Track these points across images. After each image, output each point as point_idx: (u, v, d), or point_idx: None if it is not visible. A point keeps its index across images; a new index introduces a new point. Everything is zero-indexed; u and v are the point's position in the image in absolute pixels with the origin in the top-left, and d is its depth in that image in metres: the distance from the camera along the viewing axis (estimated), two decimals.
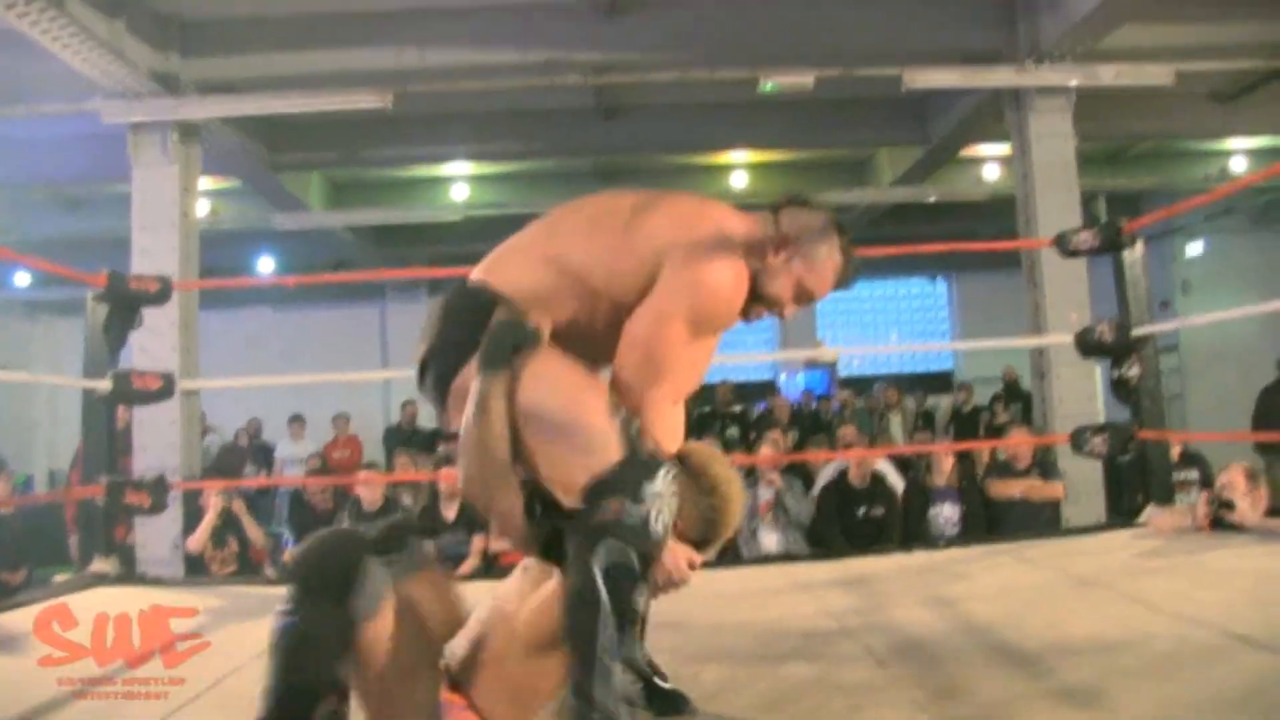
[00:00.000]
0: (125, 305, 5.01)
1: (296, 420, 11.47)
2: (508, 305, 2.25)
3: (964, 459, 7.19)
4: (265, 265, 13.25)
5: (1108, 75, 7.17)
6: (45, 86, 7.31)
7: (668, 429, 2.32)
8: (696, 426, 10.47)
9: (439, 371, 2.29)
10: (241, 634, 3.43)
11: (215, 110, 7.24)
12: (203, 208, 11.39)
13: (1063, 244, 4.88)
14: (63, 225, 11.39)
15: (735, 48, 7.28)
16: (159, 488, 5.07)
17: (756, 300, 2.39)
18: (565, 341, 2.27)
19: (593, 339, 2.33)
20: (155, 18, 7.07)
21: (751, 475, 6.85)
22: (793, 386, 14.20)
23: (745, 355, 15.32)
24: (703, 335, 2.35)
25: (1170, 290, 14.25)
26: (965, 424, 11.06)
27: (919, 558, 4.74)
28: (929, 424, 11.51)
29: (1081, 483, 6.92)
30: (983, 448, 7.67)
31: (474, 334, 2.20)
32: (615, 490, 1.97)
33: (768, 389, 13.75)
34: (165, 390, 5.14)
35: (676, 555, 2.15)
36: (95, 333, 4.98)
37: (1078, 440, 4.94)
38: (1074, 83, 7.12)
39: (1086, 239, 4.79)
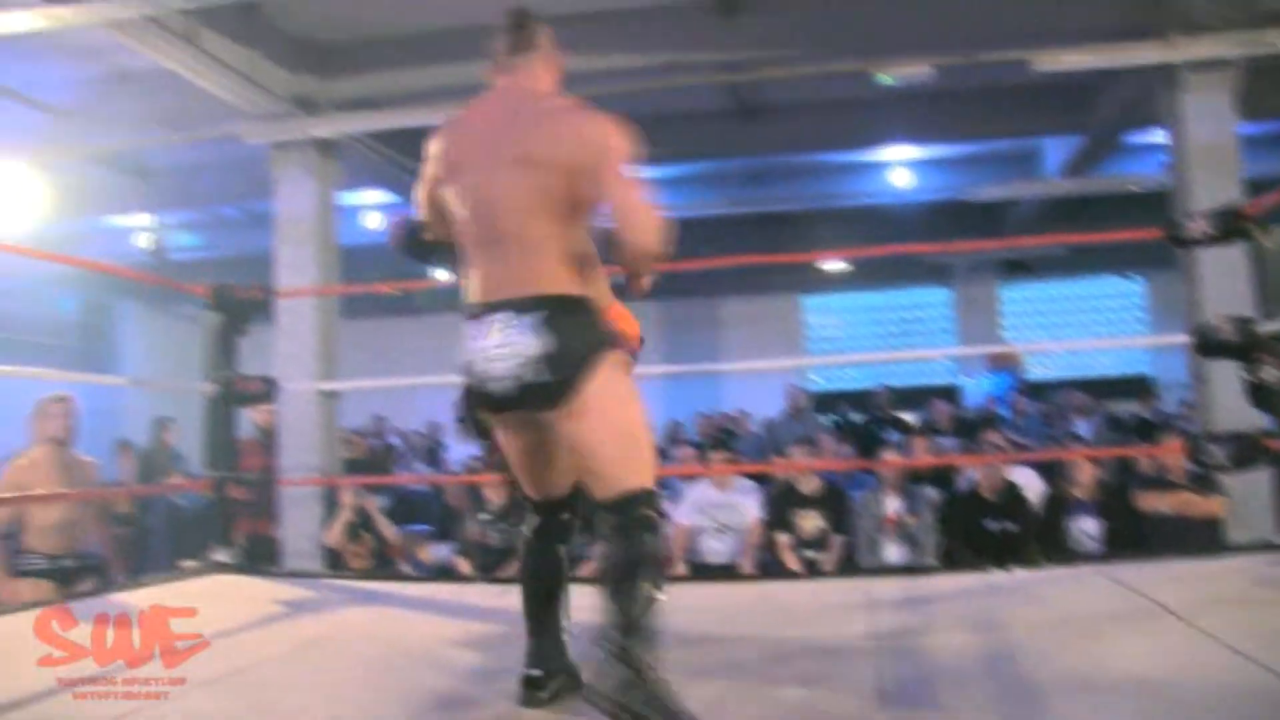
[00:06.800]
0: (235, 314, 5.22)
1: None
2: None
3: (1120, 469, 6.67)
4: (442, 275, 13.62)
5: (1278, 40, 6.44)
6: (204, 113, 7.75)
7: None
8: (856, 434, 10.15)
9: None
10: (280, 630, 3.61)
11: (344, 127, 7.54)
12: (375, 220, 11.94)
13: (1174, 233, 4.42)
14: (250, 241, 12.07)
15: (852, 40, 7.01)
16: (262, 485, 5.27)
17: None
18: None
19: None
20: (291, 43, 7.45)
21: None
22: (975, 391, 13.57)
23: (910, 353, 14.84)
24: None
25: None
26: (1150, 432, 10.25)
27: (1017, 575, 4.40)
28: (1118, 430, 10.76)
29: (1251, 498, 6.25)
30: (1102, 455, 7.12)
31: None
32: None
33: (949, 393, 13.20)
34: (267, 393, 5.34)
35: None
36: (208, 339, 5.25)
37: (1194, 450, 4.47)
38: (1234, 53, 6.45)
39: (1201, 226, 4.32)
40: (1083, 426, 10.64)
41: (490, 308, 2.45)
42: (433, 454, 11.73)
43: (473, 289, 2.53)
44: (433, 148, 2.65)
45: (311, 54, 7.60)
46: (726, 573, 6.25)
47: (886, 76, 6.60)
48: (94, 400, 11.34)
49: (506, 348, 2.40)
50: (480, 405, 2.54)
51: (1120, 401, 11.86)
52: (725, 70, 7.43)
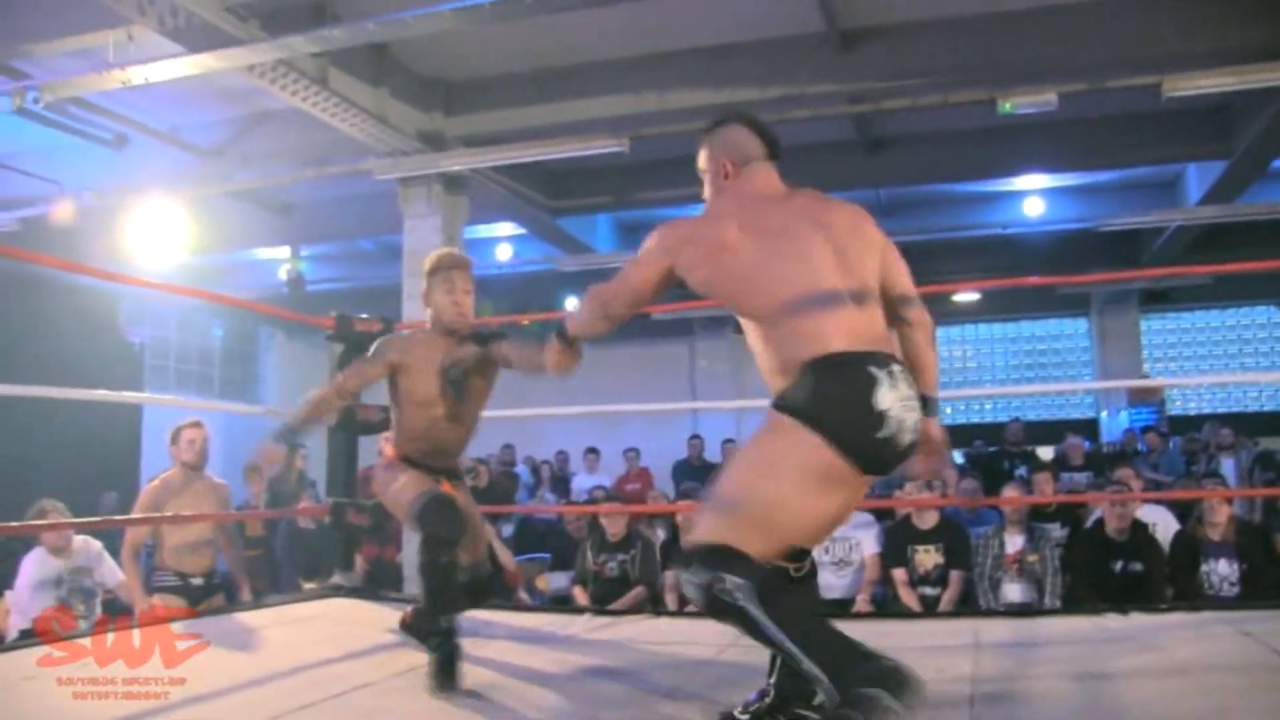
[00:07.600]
0: (355, 345, 5.38)
1: (592, 453, 11.89)
2: None
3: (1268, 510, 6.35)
4: (571, 305, 13.89)
5: None
6: (338, 151, 8.06)
7: None
8: (982, 464, 9.93)
9: None
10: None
11: (470, 162, 7.71)
12: (504, 252, 12.20)
13: None
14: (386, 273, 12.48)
15: (975, 69, 6.88)
16: (378, 510, 5.41)
17: None
18: None
19: None
20: (421, 82, 7.74)
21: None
22: (1115, 425, 13.10)
23: (1043, 386, 14.39)
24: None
25: None
26: None
27: (1135, 620, 4.22)
28: (1269, 468, 10.24)
29: None
30: (1232, 496, 6.76)
31: None
32: None
33: (1089, 428, 12.77)
34: (385, 421, 5.47)
35: None
36: (331, 369, 5.42)
37: None
38: None
39: None
40: (1227, 464, 10.17)
41: (878, 359, 2.34)
42: (561, 483, 11.87)
43: (832, 338, 2.33)
44: (707, 229, 2.53)
45: (438, 92, 7.88)
46: (840, 608, 6.15)
47: (1008, 105, 6.44)
48: (236, 423, 11.87)
49: (910, 401, 2.35)
50: (871, 456, 2.31)
51: (1276, 438, 11.29)
52: (848, 102, 7.40)
